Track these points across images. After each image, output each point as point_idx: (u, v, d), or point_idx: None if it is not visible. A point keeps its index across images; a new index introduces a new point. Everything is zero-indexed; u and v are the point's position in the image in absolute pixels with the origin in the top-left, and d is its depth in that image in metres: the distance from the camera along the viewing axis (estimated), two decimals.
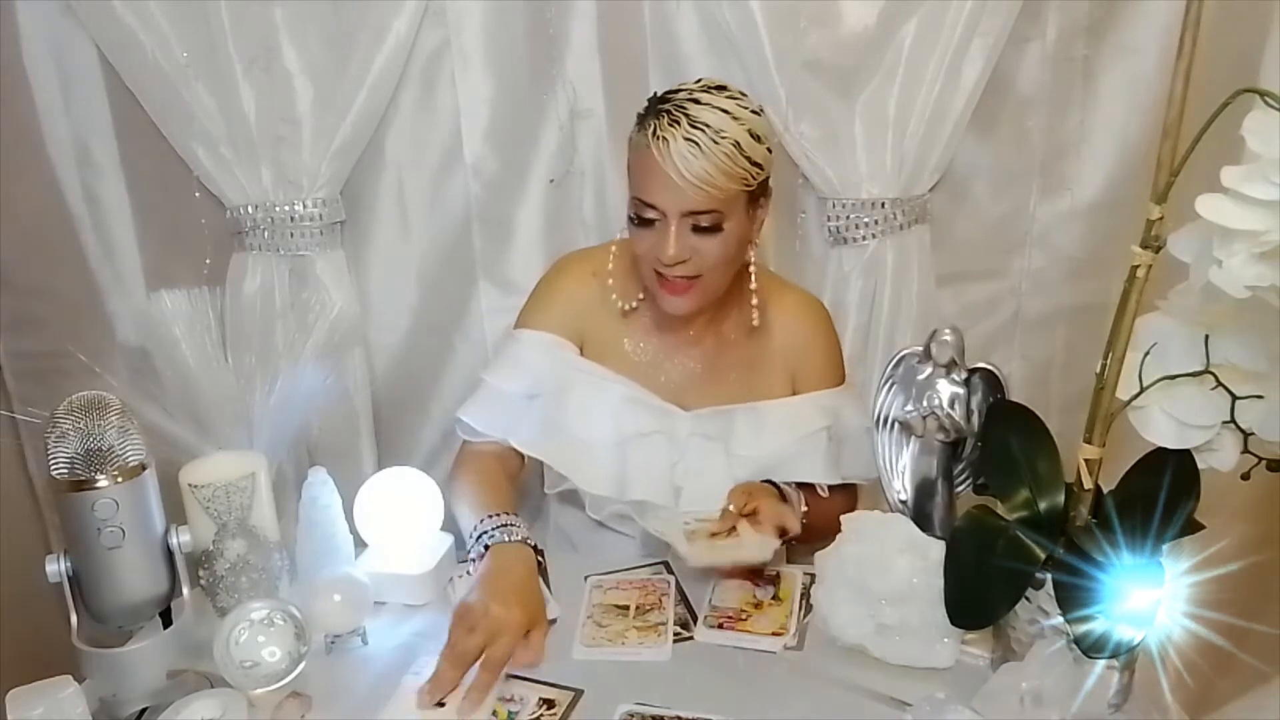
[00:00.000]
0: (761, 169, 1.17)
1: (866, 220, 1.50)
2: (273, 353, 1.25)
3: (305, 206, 1.51)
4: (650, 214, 1.16)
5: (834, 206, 1.51)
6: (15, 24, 1.47)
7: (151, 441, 1.00)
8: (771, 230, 1.58)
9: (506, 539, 1.14)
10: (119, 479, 0.94)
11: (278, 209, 1.51)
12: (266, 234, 1.52)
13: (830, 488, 1.31)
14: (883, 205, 1.49)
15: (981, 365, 1.14)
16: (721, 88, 1.17)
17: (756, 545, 1.15)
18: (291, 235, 1.52)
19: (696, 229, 1.16)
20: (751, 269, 1.27)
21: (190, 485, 1.12)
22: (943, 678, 1.01)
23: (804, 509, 1.25)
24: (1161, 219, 0.81)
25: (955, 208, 1.58)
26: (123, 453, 0.94)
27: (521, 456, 1.32)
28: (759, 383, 1.33)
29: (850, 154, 1.49)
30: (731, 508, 1.17)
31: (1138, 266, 0.83)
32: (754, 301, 1.28)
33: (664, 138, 1.12)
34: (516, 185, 1.57)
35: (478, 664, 1.00)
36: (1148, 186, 0.81)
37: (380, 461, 1.65)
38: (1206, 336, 0.84)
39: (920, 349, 1.17)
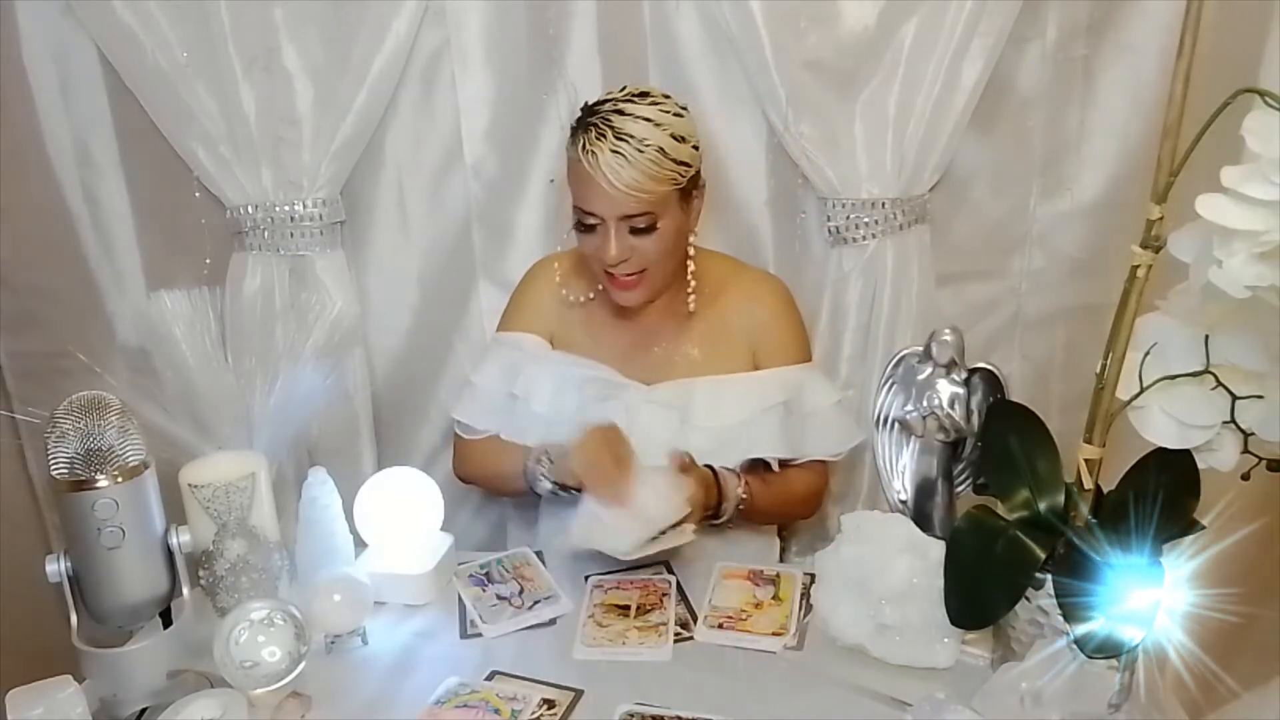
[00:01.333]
0: (689, 166, 1.25)
1: (866, 220, 1.50)
2: (273, 353, 1.25)
3: (305, 206, 1.51)
4: (590, 220, 1.25)
5: (834, 206, 1.51)
6: (15, 24, 1.47)
7: (151, 441, 1.00)
8: (771, 230, 1.58)
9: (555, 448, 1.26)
10: (119, 479, 0.94)
11: (278, 209, 1.51)
12: (266, 234, 1.52)
13: (794, 464, 1.34)
14: (883, 205, 1.49)
15: (981, 365, 1.14)
16: (645, 94, 1.25)
17: (675, 534, 1.17)
18: (291, 235, 1.52)
19: (634, 230, 1.24)
20: (690, 256, 1.34)
21: (190, 485, 1.12)
22: (943, 678, 1.02)
23: (743, 495, 1.28)
24: (1161, 219, 0.81)
25: (955, 208, 1.58)
26: (123, 453, 0.95)
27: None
28: (720, 359, 1.37)
29: (850, 154, 1.49)
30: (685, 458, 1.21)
31: (1138, 266, 0.83)
32: (690, 286, 1.35)
33: (592, 151, 1.20)
34: (516, 185, 1.57)
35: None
36: (1148, 186, 0.81)
37: (380, 461, 1.65)
38: (1206, 336, 0.84)
39: (920, 349, 1.17)
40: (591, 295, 1.40)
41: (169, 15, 1.42)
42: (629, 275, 1.28)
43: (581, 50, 1.50)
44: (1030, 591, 0.95)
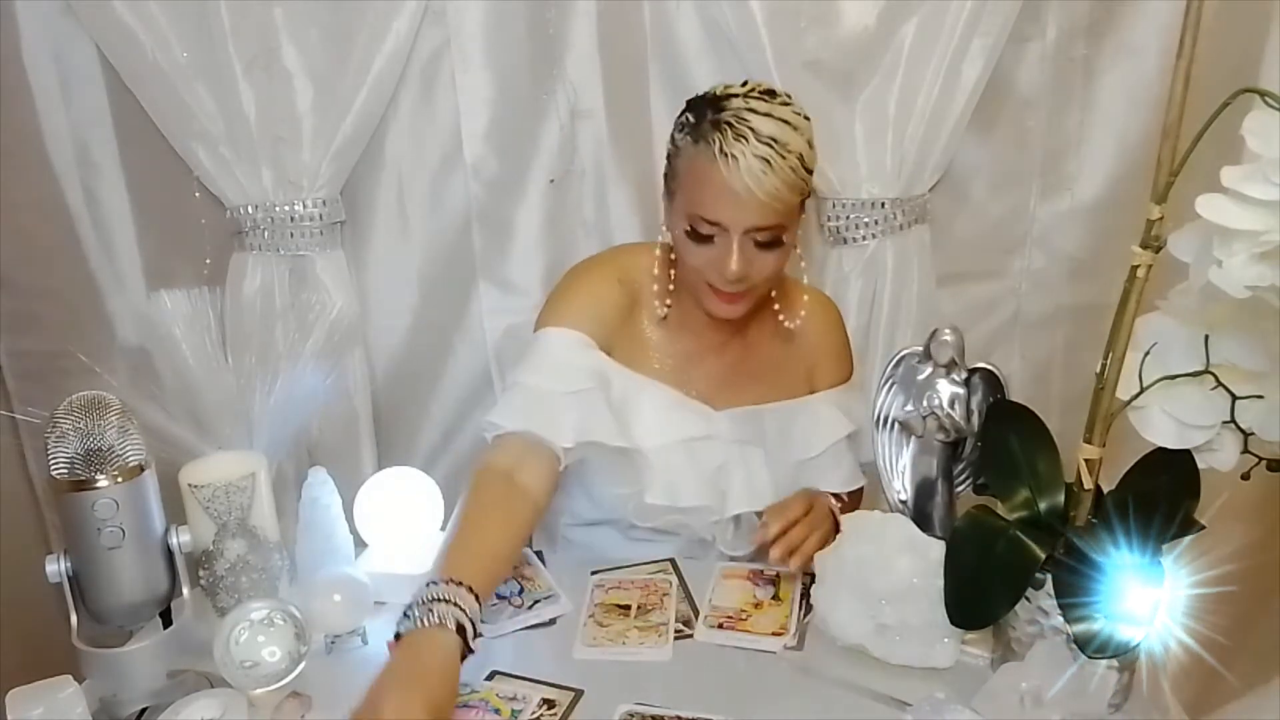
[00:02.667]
0: (812, 174, 1.15)
1: (866, 220, 1.50)
2: (273, 353, 1.25)
3: (305, 206, 1.51)
4: (711, 230, 1.12)
5: (834, 206, 1.51)
6: (15, 24, 1.47)
7: (151, 441, 1.00)
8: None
9: (427, 622, 0.94)
10: (119, 479, 0.94)
11: (278, 209, 1.51)
12: (266, 234, 1.52)
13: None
14: (883, 205, 1.49)
15: (981, 365, 1.14)
16: (772, 93, 1.14)
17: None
18: (291, 235, 1.52)
19: (758, 244, 1.13)
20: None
21: (190, 485, 1.12)
22: (943, 678, 1.02)
23: (837, 506, 1.25)
24: (1161, 219, 0.81)
25: (955, 208, 1.58)
26: (123, 453, 0.94)
27: (553, 473, 1.18)
28: (782, 383, 1.32)
29: (850, 154, 1.49)
30: (772, 530, 1.12)
31: (1138, 266, 0.83)
32: (777, 306, 1.28)
33: (733, 155, 1.06)
34: (516, 185, 1.57)
35: None
36: (1148, 186, 0.81)
37: (380, 461, 1.65)
38: (1206, 336, 0.84)
39: (920, 349, 1.17)
40: (670, 304, 1.27)
41: (169, 15, 1.42)
42: (736, 293, 1.17)
43: (581, 50, 1.50)
44: (1030, 591, 0.95)
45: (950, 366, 1.14)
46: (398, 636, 0.95)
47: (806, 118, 1.14)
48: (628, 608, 1.16)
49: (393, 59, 1.45)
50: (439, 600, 0.95)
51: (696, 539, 1.29)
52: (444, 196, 1.58)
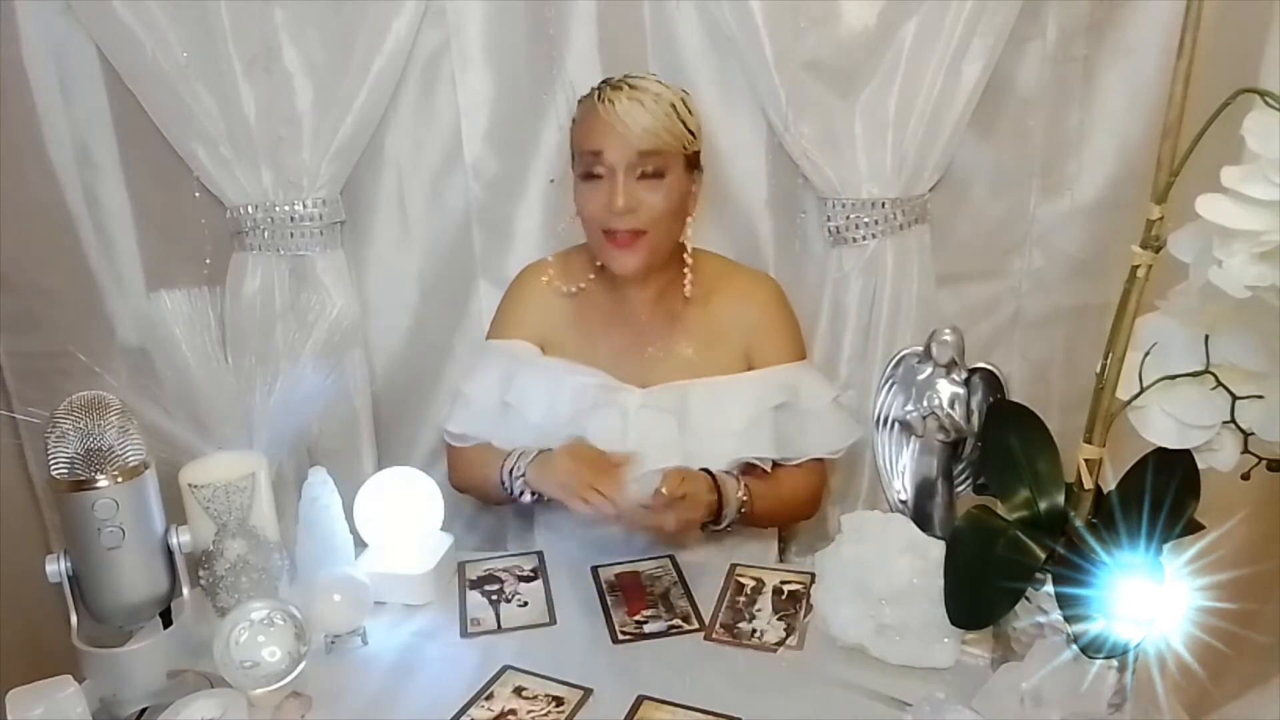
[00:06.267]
0: (694, 137, 1.30)
1: (866, 220, 1.50)
2: (273, 353, 1.25)
3: (305, 206, 1.51)
4: (598, 168, 1.26)
5: (834, 206, 1.51)
6: (15, 24, 1.47)
7: (151, 441, 1.00)
8: (771, 230, 1.58)
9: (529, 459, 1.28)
10: (119, 479, 0.94)
11: (278, 209, 1.51)
12: (266, 234, 1.52)
13: (791, 464, 1.34)
14: (883, 205, 1.49)
15: (981, 365, 1.14)
16: (649, 76, 1.31)
17: None
18: (291, 235, 1.52)
19: (642, 176, 1.26)
20: (686, 251, 1.37)
21: (190, 485, 1.12)
22: (943, 678, 1.02)
23: (743, 498, 1.27)
24: (1161, 219, 0.81)
25: (955, 208, 1.58)
26: (123, 453, 0.94)
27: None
28: (714, 359, 1.37)
29: (850, 154, 1.49)
30: (664, 490, 1.17)
31: (1138, 266, 0.83)
32: (687, 278, 1.36)
33: (609, 99, 1.25)
34: (516, 185, 1.57)
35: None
36: (1148, 186, 0.81)
37: (380, 461, 1.65)
38: (1206, 336, 0.84)
39: (920, 349, 1.17)
40: (583, 285, 1.40)
41: (169, 15, 1.42)
42: (630, 232, 1.27)
43: (581, 50, 1.50)
44: (1030, 591, 0.94)
45: (950, 366, 1.14)
46: (535, 495, 1.28)
47: (685, 91, 1.32)
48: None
49: (393, 59, 1.45)
50: (520, 454, 1.30)
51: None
52: (444, 196, 1.58)
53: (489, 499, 1.44)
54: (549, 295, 1.41)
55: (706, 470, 1.26)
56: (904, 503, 1.20)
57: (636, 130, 1.23)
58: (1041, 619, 0.94)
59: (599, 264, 1.36)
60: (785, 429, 1.33)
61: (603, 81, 1.30)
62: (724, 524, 1.26)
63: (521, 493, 1.29)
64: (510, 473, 1.29)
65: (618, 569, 1.25)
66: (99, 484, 0.93)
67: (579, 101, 1.33)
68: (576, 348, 1.39)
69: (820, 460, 1.37)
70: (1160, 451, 0.88)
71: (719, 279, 1.40)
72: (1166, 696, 0.97)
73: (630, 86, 1.26)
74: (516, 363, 1.38)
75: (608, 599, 1.18)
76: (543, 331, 1.41)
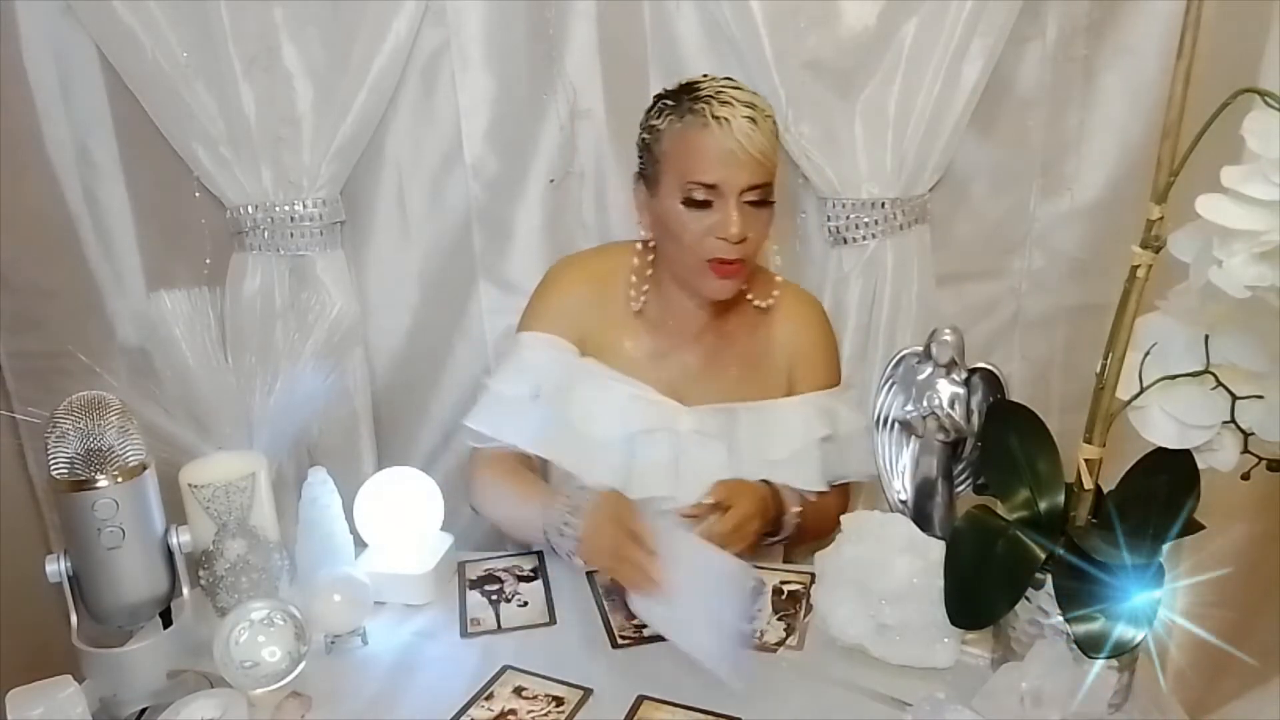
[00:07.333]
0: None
1: (866, 220, 1.50)
2: (273, 353, 1.25)
3: (305, 206, 1.51)
4: (707, 195, 1.18)
5: (834, 206, 1.51)
6: (15, 24, 1.47)
7: (151, 441, 1.00)
8: (771, 231, 1.58)
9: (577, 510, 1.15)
10: (119, 479, 0.94)
11: (278, 209, 1.51)
12: (266, 234, 1.52)
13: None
14: (883, 205, 1.49)
15: (981, 365, 1.14)
16: (730, 79, 1.23)
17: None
18: (291, 235, 1.52)
19: (751, 204, 1.19)
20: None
21: (190, 485, 1.12)
22: (943, 678, 1.02)
23: (798, 509, 1.26)
24: (1161, 219, 0.81)
25: (955, 208, 1.58)
26: (123, 453, 0.94)
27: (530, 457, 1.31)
28: (758, 379, 1.34)
29: (850, 154, 1.49)
30: (709, 499, 1.17)
31: (1138, 266, 0.83)
32: (750, 295, 1.32)
33: (724, 118, 1.15)
34: (516, 185, 1.57)
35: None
36: (1148, 186, 0.81)
37: (380, 461, 1.64)
38: (1206, 336, 0.84)
39: (920, 349, 1.17)
40: (645, 299, 1.32)
41: (169, 15, 1.42)
42: (735, 261, 1.20)
43: (581, 50, 1.50)
44: (1030, 591, 0.95)
45: (950, 366, 1.14)
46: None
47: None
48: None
49: (393, 59, 1.45)
50: (568, 508, 1.15)
51: None
52: (444, 196, 1.58)
53: (513, 536, 1.31)
54: (592, 292, 1.33)
55: (765, 481, 1.25)
56: (904, 503, 1.20)
57: (756, 155, 1.16)
58: (1041, 619, 0.94)
59: (648, 271, 1.31)
60: (829, 458, 1.32)
61: (694, 93, 1.19)
62: (782, 535, 1.25)
63: (569, 554, 1.16)
64: (559, 531, 1.16)
65: None
66: (99, 484, 0.93)
67: (666, 115, 1.21)
68: (617, 352, 1.31)
69: (850, 482, 1.36)
70: (1160, 451, 0.88)
71: (759, 286, 1.34)
72: (1167, 696, 0.97)
73: (737, 100, 1.16)
74: (556, 360, 1.30)
75: (605, 604, 1.18)
76: (583, 331, 1.32)
